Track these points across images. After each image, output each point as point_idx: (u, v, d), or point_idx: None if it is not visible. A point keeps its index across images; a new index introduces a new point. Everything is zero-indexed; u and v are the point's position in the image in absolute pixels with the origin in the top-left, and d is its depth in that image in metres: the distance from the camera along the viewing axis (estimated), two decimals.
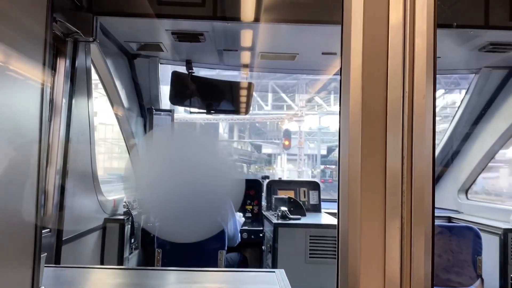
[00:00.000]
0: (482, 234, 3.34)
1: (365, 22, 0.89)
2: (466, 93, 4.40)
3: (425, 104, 0.87)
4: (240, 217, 4.22)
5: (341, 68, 0.91)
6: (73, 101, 2.93)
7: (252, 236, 4.21)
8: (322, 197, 4.63)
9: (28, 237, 1.26)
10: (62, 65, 2.89)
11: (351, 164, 0.88)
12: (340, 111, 0.91)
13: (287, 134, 16.90)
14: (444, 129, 4.73)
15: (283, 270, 2.07)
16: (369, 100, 0.88)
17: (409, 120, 0.88)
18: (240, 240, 3.84)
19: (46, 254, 1.61)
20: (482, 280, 3.29)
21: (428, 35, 0.89)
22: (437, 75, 0.91)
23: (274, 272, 2.07)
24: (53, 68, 2.81)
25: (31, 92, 1.34)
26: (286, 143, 16.30)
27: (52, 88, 2.80)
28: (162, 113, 4.50)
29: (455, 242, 3.27)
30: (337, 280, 0.92)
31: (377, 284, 0.87)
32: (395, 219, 0.88)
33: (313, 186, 4.66)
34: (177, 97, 4.51)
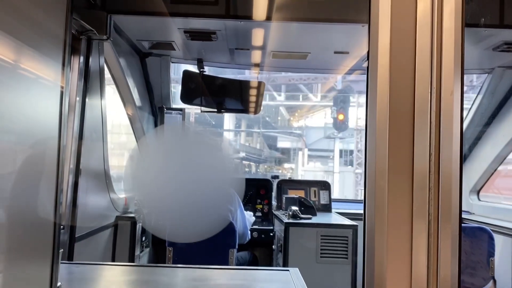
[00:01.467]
0: (494, 235, 3.32)
1: (392, 19, 0.88)
2: (478, 93, 4.37)
3: (453, 100, 0.87)
4: (250, 216, 4.22)
5: (368, 64, 0.91)
6: (87, 99, 2.94)
7: (263, 236, 4.21)
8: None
9: (47, 234, 1.27)
10: (76, 63, 2.90)
11: (378, 160, 0.88)
12: (366, 108, 0.91)
13: (343, 102, 9.84)
14: None
15: (297, 269, 2.07)
16: (397, 96, 0.88)
17: (437, 116, 0.87)
18: (249, 238, 3.83)
19: (62, 250, 1.63)
20: (495, 282, 3.26)
21: (456, 31, 0.88)
22: None
23: (288, 270, 2.06)
24: (69, 66, 2.81)
25: (51, 91, 1.35)
26: (341, 117, 9.84)
27: (67, 86, 2.80)
28: (173, 112, 4.51)
29: (468, 243, 3.25)
30: (363, 276, 0.91)
31: (403, 281, 0.87)
32: (422, 216, 0.87)
33: (324, 185, 4.65)
34: (188, 96, 4.52)
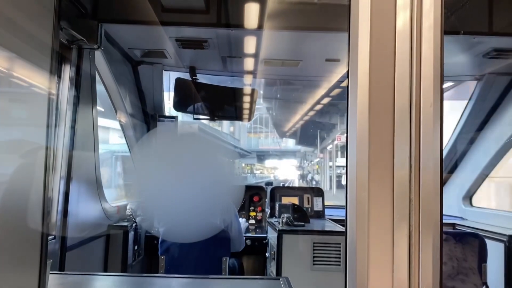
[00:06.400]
0: (487, 241, 3.32)
1: (372, 29, 0.89)
2: (469, 99, 4.40)
3: (432, 112, 0.88)
4: (243, 223, 4.22)
5: (348, 75, 0.91)
6: (78, 108, 2.94)
7: (256, 243, 4.20)
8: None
9: (34, 243, 1.26)
10: (67, 72, 2.90)
11: (359, 171, 0.88)
12: (347, 119, 0.91)
13: None
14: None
15: (288, 277, 2.06)
16: (377, 108, 0.88)
17: (417, 127, 0.88)
18: (244, 245, 3.82)
19: (51, 260, 1.62)
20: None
21: (435, 42, 0.89)
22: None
23: (279, 279, 2.06)
24: (58, 75, 2.82)
25: (39, 99, 1.35)
26: None
27: (57, 95, 2.81)
28: (166, 119, 4.51)
29: (460, 249, 3.25)
30: (345, 287, 0.91)
31: None
32: (403, 226, 0.87)
33: (317, 192, 4.65)
34: (181, 104, 4.53)
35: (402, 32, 0.90)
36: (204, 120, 4.66)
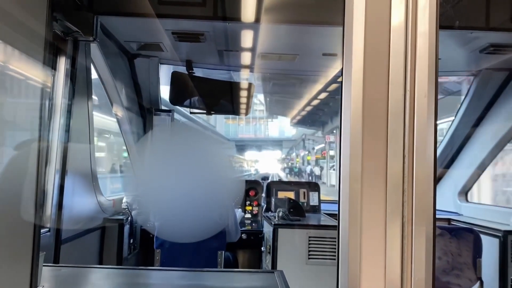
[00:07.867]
0: (482, 236, 3.33)
1: (366, 22, 0.89)
2: (466, 95, 4.40)
3: (427, 103, 0.87)
4: (239, 213, 4.23)
5: (342, 68, 0.91)
6: (73, 100, 2.92)
7: (252, 237, 4.21)
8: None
9: (27, 236, 1.26)
10: (62, 64, 2.88)
11: (352, 163, 0.88)
12: (341, 110, 0.91)
13: None
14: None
15: (282, 270, 2.06)
16: (371, 99, 0.88)
17: (411, 119, 0.88)
18: (240, 235, 3.81)
19: (44, 253, 1.61)
20: (482, 283, 3.28)
21: (430, 35, 0.88)
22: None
23: (273, 272, 2.06)
24: (53, 67, 2.80)
25: (32, 91, 1.34)
26: None
27: (52, 87, 2.79)
28: (162, 113, 4.50)
29: (455, 244, 3.26)
30: (337, 280, 0.91)
31: (377, 285, 0.87)
32: (396, 218, 0.87)
33: (313, 187, 4.66)
34: (177, 98, 4.51)
35: (397, 25, 0.89)
36: (200, 113, 4.66)
